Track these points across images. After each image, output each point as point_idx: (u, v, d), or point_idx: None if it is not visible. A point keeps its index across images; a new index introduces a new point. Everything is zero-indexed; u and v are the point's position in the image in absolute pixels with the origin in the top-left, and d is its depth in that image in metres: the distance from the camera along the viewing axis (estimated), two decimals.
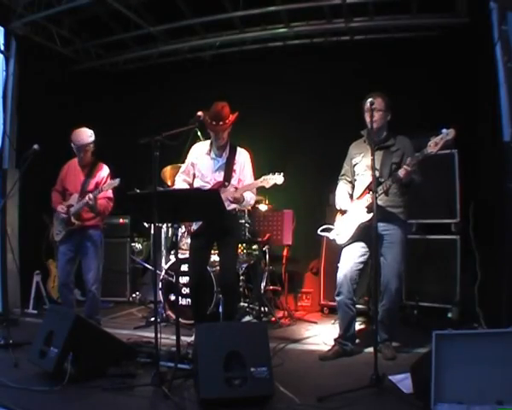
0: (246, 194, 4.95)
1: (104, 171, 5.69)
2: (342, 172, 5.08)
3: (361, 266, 4.79)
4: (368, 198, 4.63)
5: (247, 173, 5.07)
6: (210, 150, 5.05)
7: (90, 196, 5.33)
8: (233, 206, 4.99)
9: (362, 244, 4.78)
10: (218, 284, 5.73)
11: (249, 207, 5.56)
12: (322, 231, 5.11)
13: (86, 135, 5.52)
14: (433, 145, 4.22)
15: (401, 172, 4.42)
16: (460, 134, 4.20)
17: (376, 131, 4.63)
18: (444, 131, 4.21)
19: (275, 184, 4.89)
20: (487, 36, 5.32)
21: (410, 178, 4.49)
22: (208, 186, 4.97)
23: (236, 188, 4.93)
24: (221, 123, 4.80)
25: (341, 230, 4.88)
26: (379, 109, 4.63)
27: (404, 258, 4.78)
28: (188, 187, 5.08)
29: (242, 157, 5.07)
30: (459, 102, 6.38)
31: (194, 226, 5.01)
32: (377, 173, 4.54)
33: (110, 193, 5.61)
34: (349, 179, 5.00)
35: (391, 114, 4.76)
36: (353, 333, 4.89)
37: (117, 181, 5.38)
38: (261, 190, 5.26)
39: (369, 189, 4.65)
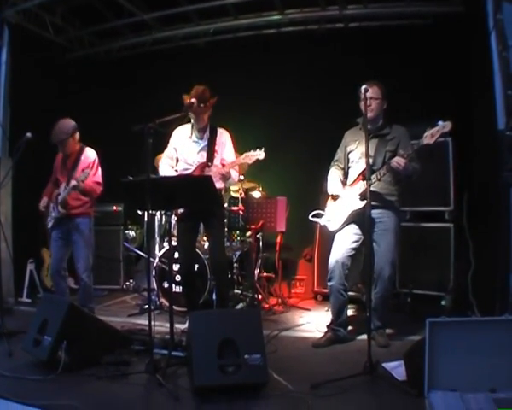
0: (231, 172, 5.09)
1: (90, 156, 5.63)
2: (335, 158, 5.07)
3: (353, 252, 4.79)
4: (361, 186, 4.64)
5: (229, 152, 5.21)
6: (191, 133, 5.16)
7: (74, 182, 5.29)
8: (218, 185, 5.02)
9: (355, 230, 4.78)
10: (209, 264, 5.77)
11: (234, 184, 5.64)
12: (313, 216, 5.13)
13: (61, 131, 5.44)
14: (430, 137, 4.23)
15: (394, 162, 4.42)
16: (454, 122, 4.19)
17: (372, 119, 4.65)
18: (440, 123, 4.23)
19: (257, 160, 4.97)
20: (482, 25, 5.30)
21: (409, 170, 4.48)
22: (192, 168, 5.09)
23: (223, 165, 5.06)
24: (202, 105, 4.89)
25: (333, 216, 4.90)
26: (375, 98, 4.63)
27: (398, 245, 4.78)
28: (173, 171, 5.18)
29: (223, 137, 5.20)
30: (454, 91, 6.35)
31: (180, 209, 5.08)
32: (371, 161, 4.51)
33: (98, 177, 5.59)
34: (341, 166, 5.00)
35: (387, 103, 4.75)
36: (345, 319, 4.91)
37: (88, 172, 5.35)
38: (254, 177, 5.25)
39: (362, 175, 4.65)
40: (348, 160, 4.93)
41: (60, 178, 5.62)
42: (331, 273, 4.82)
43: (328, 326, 4.95)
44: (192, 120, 5.10)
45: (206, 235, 5.38)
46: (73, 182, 5.30)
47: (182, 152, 5.17)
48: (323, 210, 5.05)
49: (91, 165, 5.55)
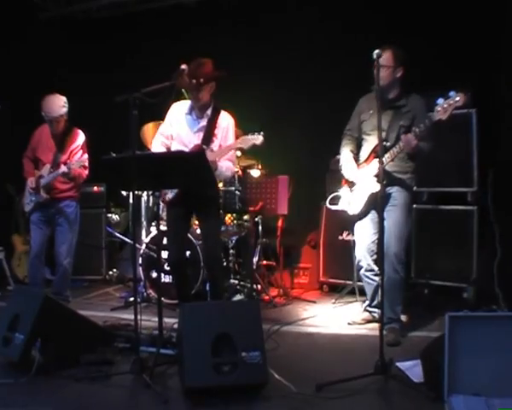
0: (221, 163, 4.90)
1: (79, 139, 5.72)
2: (348, 127, 5.19)
3: (376, 236, 4.95)
4: (375, 165, 4.71)
5: (230, 140, 5.03)
6: (191, 110, 5.00)
7: (65, 169, 5.36)
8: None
9: (373, 216, 4.95)
10: (202, 258, 5.76)
11: (223, 180, 5.56)
12: (330, 202, 5.35)
13: (58, 105, 5.50)
14: (442, 112, 4.27)
15: (404, 140, 4.49)
16: (480, 92, 4.14)
17: (384, 88, 4.65)
18: (451, 94, 4.24)
19: (254, 145, 4.86)
20: None
21: (416, 150, 4.55)
22: (186, 150, 4.91)
23: (212, 150, 4.89)
24: (194, 81, 4.72)
25: (352, 199, 5.05)
26: (385, 65, 4.61)
27: (408, 223, 4.92)
28: (165, 150, 5.05)
29: (226, 121, 5.02)
30: (480, 57, 6.26)
31: (170, 195, 4.97)
32: (384, 135, 4.56)
33: (85, 161, 5.61)
34: (355, 135, 5.12)
35: (403, 71, 4.73)
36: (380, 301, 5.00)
37: (85, 158, 5.51)
38: (253, 153, 5.20)
39: (375, 153, 4.75)
40: (361, 130, 5.03)
41: (42, 158, 5.65)
42: (359, 263, 5.21)
43: (364, 308, 5.39)
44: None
45: (198, 225, 5.31)
46: (64, 168, 5.36)
47: (177, 129, 5.00)
48: (330, 191, 5.10)
49: (79, 147, 5.67)
